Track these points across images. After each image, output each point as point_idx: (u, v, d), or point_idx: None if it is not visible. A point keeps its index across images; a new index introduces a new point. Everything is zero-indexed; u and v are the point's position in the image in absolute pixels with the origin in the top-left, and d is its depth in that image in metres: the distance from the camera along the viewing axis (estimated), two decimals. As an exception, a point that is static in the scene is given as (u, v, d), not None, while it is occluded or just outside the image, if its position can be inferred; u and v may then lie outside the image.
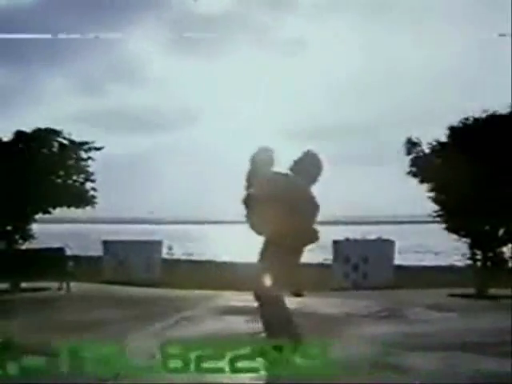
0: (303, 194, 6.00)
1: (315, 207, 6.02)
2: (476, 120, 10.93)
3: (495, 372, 5.06)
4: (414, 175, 11.33)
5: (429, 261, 23.74)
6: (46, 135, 12.93)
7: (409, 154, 11.35)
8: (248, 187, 6.18)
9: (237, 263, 18.63)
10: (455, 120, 11.11)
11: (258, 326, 7.58)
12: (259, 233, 6.01)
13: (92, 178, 13.21)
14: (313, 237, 6.13)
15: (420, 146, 11.29)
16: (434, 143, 11.20)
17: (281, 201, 5.73)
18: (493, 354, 5.67)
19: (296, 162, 6.24)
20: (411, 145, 11.27)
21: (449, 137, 11.03)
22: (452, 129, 11.04)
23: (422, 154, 11.31)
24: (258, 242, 5.75)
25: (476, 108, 11.04)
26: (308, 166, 6.16)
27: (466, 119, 10.96)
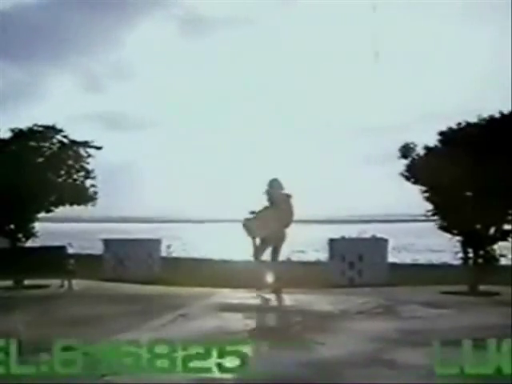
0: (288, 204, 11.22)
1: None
2: (468, 124, 11.14)
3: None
4: (408, 177, 11.53)
5: (422, 259, 23.77)
6: (47, 133, 12.97)
7: (405, 157, 11.56)
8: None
9: (234, 261, 18.76)
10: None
11: (253, 323, 7.83)
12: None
13: (92, 175, 13.27)
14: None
15: (414, 150, 11.49)
16: (428, 146, 11.41)
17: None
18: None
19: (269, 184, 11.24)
20: (406, 149, 11.47)
21: (441, 140, 11.24)
22: (443, 133, 11.28)
23: (416, 156, 11.49)
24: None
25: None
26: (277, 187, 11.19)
27: (459, 124, 11.18)
